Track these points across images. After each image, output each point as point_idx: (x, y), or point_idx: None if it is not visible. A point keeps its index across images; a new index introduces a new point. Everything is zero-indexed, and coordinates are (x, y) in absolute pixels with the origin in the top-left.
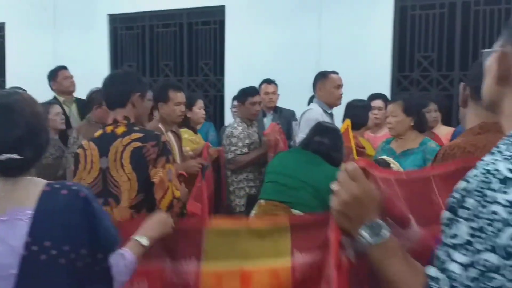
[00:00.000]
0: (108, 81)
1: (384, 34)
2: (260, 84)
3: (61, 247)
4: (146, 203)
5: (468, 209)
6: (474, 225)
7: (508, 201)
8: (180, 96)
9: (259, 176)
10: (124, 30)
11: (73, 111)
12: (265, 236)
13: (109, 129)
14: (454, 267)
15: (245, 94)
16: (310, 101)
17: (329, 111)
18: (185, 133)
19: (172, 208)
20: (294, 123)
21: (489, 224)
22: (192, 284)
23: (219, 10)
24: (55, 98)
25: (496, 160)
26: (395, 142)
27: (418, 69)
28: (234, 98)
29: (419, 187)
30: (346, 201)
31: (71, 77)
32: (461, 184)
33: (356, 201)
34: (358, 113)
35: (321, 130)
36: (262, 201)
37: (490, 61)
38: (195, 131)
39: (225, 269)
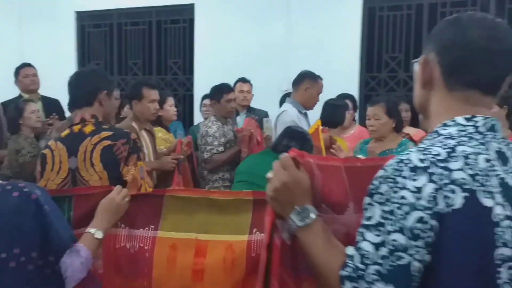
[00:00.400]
0: (74, 80)
1: (352, 34)
2: (235, 83)
3: (11, 250)
4: None
5: (382, 194)
6: (386, 208)
7: (416, 187)
8: (154, 94)
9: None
10: (92, 27)
11: (38, 109)
12: (225, 210)
13: (76, 128)
14: (367, 246)
15: (220, 91)
16: (282, 100)
17: (304, 111)
18: (159, 132)
19: None
20: (264, 119)
21: (399, 208)
22: (147, 250)
23: (189, 9)
24: (20, 95)
25: (411, 151)
26: (373, 142)
27: (385, 69)
28: (206, 97)
29: (372, 174)
30: (277, 188)
31: (33, 75)
32: (379, 173)
33: (286, 188)
34: (335, 112)
35: (290, 134)
36: None
37: (417, 68)
38: (167, 129)
39: (181, 237)
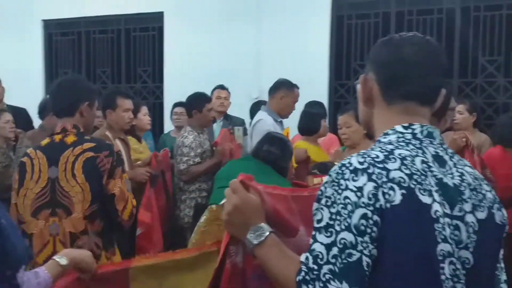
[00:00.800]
0: (56, 89)
1: (321, 42)
2: (213, 90)
3: None
4: (99, 213)
5: (328, 197)
6: (333, 210)
7: (357, 187)
8: (128, 103)
9: (212, 186)
10: (59, 36)
11: (11, 119)
12: (194, 266)
13: (57, 137)
14: (318, 247)
15: (202, 101)
16: (253, 107)
17: (279, 120)
18: (129, 142)
19: (133, 217)
20: (236, 128)
21: (344, 208)
22: None
23: (158, 17)
24: None
25: (352, 156)
26: (348, 150)
27: (354, 77)
28: (177, 105)
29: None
30: (230, 211)
31: None
32: (325, 179)
33: (238, 210)
34: (312, 120)
35: (270, 139)
36: (213, 206)
37: (359, 87)
38: (139, 139)
39: None
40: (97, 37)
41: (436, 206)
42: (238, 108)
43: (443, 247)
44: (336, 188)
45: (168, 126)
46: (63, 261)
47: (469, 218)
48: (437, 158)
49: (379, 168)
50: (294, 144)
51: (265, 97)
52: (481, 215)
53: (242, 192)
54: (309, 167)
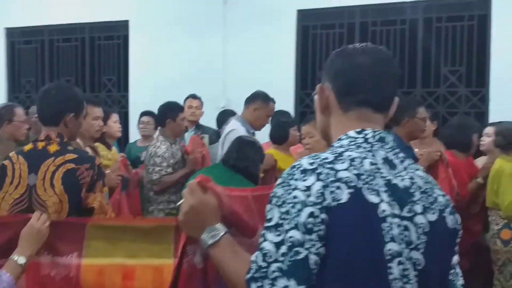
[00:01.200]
0: (42, 97)
1: (287, 52)
2: (185, 99)
3: None
4: None
5: (278, 197)
6: (283, 209)
7: (305, 186)
8: (98, 111)
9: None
10: (22, 44)
11: None
12: (149, 235)
13: (41, 145)
14: (267, 245)
15: (176, 110)
16: (220, 116)
17: (252, 131)
18: (98, 148)
19: None
20: (201, 136)
21: (293, 207)
22: (72, 277)
23: (123, 25)
24: None
25: (303, 158)
26: None
27: None
28: (145, 114)
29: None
30: (186, 212)
31: None
32: (277, 181)
33: (194, 211)
34: (283, 128)
35: (240, 144)
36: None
37: (316, 97)
38: (109, 146)
39: (107, 262)
40: (61, 46)
41: (383, 206)
42: (205, 117)
43: (391, 246)
44: (286, 188)
45: (134, 135)
46: (22, 259)
47: (419, 219)
48: (387, 161)
49: (327, 168)
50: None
51: (232, 106)
52: (432, 217)
53: (199, 193)
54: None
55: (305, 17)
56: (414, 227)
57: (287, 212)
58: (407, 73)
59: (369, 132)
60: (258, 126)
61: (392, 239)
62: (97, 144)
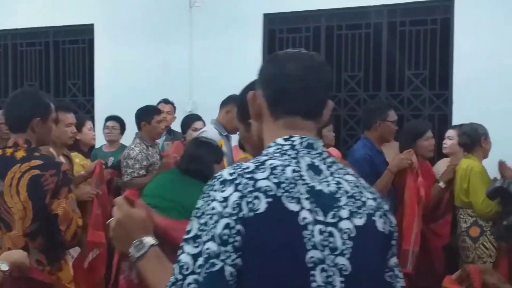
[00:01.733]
0: (9, 103)
1: (254, 56)
2: (157, 104)
3: None
4: (41, 231)
5: (198, 209)
6: (201, 221)
7: (223, 197)
8: (70, 118)
9: None
10: None
11: None
12: None
13: (9, 151)
14: (185, 257)
15: (150, 113)
16: (185, 119)
17: (225, 134)
18: (76, 158)
19: (76, 237)
20: (165, 143)
21: (210, 218)
22: None
23: (88, 29)
24: None
25: (226, 168)
26: None
27: None
28: (110, 118)
29: None
30: (114, 227)
31: None
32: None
33: (121, 225)
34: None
35: (194, 146)
36: None
37: (249, 103)
38: (85, 155)
39: None
40: (24, 50)
41: (304, 213)
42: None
43: (313, 254)
44: (206, 199)
45: (99, 140)
46: (4, 266)
47: (345, 224)
48: (312, 167)
49: (246, 178)
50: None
51: (198, 111)
52: (359, 221)
53: (125, 208)
54: None
55: (271, 21)
56: (339, 233)
57: (205, 224)
58: (372, 76)
59: (296, 139)
60: (231, 129)
61: (314, 247)
62: (75, 153)
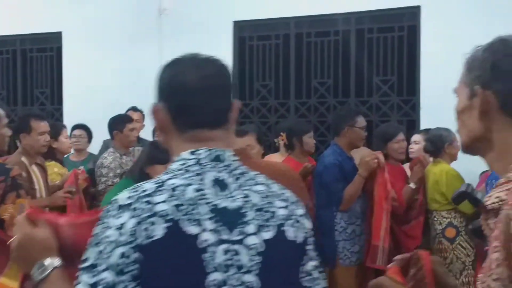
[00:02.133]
0: None
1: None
2: (126, 112)
3: None
4: None
5: (96, 235)
6: (98, 249)
7: (119, 223)
8: (43, 126)
9: None
10: None
11: None
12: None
13: None
14: (82, 287)
15: (122, 121)
16: (155, 128)
17: None
18: (54, 167)
19: None
20: (136, 149)
21: (106, 247)
22: None
23: (56, 37)
24: None
25: (124, 191)
26: None
27: (257, 97)
28: (77, 127)
29: None
30: (14, 247)
31: None
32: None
33: (20, 246)
34: None
35: (146, 148)
36: None
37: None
38: (61, 163)
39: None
40: None
41: (205, 236)
42: (143, 130)
43: (214, 277)
44: (103, 226)
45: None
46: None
47: (251, 240)
48: (218, 182)
49: (144, 202)
50: None
51: None
52: (267, 234)
53: (25, 228)
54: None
55: (241, 28)
56: (246, 249)
57: (101, 252)
58: (341, 83)
59: (202, 152)
60: None
61: (216, 269)
62: (52, 163)
